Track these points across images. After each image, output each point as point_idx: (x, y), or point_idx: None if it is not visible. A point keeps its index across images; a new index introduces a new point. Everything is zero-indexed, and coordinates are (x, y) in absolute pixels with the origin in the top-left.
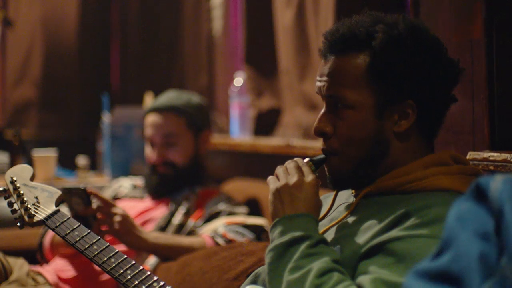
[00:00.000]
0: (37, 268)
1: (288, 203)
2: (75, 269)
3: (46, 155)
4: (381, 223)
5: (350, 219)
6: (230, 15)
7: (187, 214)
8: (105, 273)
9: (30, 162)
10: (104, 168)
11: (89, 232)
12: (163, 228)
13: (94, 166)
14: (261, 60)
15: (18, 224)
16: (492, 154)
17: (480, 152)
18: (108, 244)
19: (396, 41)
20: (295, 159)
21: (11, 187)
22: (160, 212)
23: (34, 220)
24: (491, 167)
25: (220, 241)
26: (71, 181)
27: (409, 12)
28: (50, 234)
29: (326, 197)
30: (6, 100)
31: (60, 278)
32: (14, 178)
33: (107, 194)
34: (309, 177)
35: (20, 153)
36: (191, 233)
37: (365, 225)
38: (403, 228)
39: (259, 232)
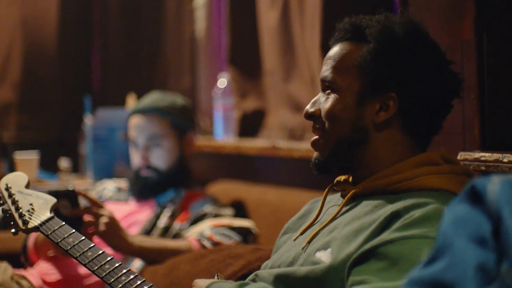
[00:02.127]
0: (21, 271)
1: None
2: (60, 272)
3: (28, 158)
4: (372, 225)
5: (340, 221)
6: (213, 16)
7: (173, 217)
8: (91, 277)
9: (11, 164)
10: (86, 171)
11: (83, 239)
12: (148, 231)
13: (76, 168)
14: (245, 61)
15: (13, 230)
16: (483, 154)
17: (471, 152)
18: (103, 250)
19: (388, 33)
20: None
21: (5, 194)
22: (145, 215)
23: (29, 226)
24: (483, 168)
25: (207, 243)
26: (54, 184)
27: (398, 12)
28: (33, 235)
29: (315, 202)
30: None
31: (44, 282)
32: (9, 185)
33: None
34: None
35: (1, 155)
36: (177, 236)
37: (355, 227)
38: (394, 229)
39: (245, 234)
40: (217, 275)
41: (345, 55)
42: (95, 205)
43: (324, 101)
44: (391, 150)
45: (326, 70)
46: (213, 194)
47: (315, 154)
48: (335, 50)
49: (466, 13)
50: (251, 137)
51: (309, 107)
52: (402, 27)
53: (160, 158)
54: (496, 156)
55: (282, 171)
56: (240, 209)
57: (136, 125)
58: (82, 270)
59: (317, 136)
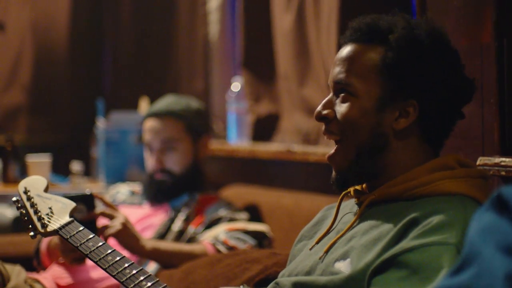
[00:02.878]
0: (35, 275)
1: None
2: (73, 276)
3: (40, 161)
4: (389, 233)
5: (357, 229)
6: (227, 19)
7: (187, 221)
8: (104, 281)
9: (23, 167)
10: (98, 174)
11: (103, 243)
12: (162, 235)
13: (88, 172)
14: (260, 64)
15: (31, 233)
16: (503, 159)
17: (491, 157)
18: (123, 255)
19: (413, 40)
20: None
21: (24, 197)
22: (159, 218)
23: (48, 230)
24: (503, 173)
25: (222, 248)
26: (68, 188)
27: (416, 14)
28: (46, 240)
29: (329, 209)
30: None
31: (58, 285)
32: (28, 189)
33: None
34: None
35: (13, 158)
36: (191, 240)
37: (374, 236)
38: (413, 237)
39: (260, 239)
40: (243, 286)
41: (364, 58)
42: (111, 210)
43: (339, 105)
44: (409, 156)
45: (341, 72)
46: (227, 198)
47: (334, 172)
48: (350, 50)
49: (485, 17)
50: (265, 141)
51: (321, 109)
52: (427, 34)
53: (175, 162)
54: None
55: (297, 175)
56: (254, 214)
57: (151, 129)
58: (95, 274)
59: (333, 151)
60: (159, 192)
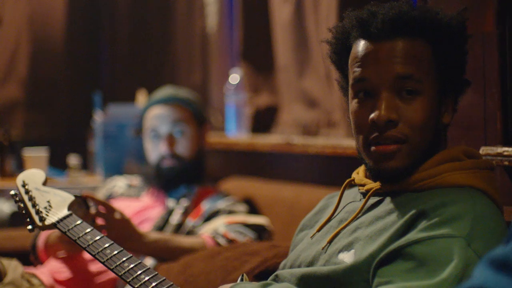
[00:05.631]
0: (32, 269)
1: None
2: (71, 271)
3: (37, 155)
4: (396, 224)
5: (362, 220)
6: (225, 11)
7: (185, 214)
8: (102, 275)
9: (20, 162)
10: (96, 168)
11: (102, 236)
12: (160, 228)
13: (85, 165)
14: (258, 56)
15: (29, 227)
16: (506, 149)
17: (493, 147)
18: (122, 248)
19: (456, 35)
20: None
21: (22, 191)
22: (157, 211)
23: (46, 223)
24: (506, 162)
25: (222, 241)
26: (63, 181)
27: (417, 2)
28: (43, 235)
29: (331, 197)
30: None
31: (56, 280)
32: (26, 182)
33: (101, 194)
34: None
35: (10, 152)
36: (190, 233)
37: (379, 226)
38: (421, 229)
39: (260, 231)
40: (242, 276)
41: (420, 53)
42: (106, 207)
43: (405, 107)
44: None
45: (406, 67)
46: (226, 190)
47: (392, 163)
48: (403, 45)
49: (487, 5)
50: (264, 133)
51: (387, 111)
52: (461, 25)
53: (185, 147)
54: None
55: (297, 168)
56: (254, 206)
57: (158, 115)
58: (93, 268)
59: (391, 147)
60: (167, 179)
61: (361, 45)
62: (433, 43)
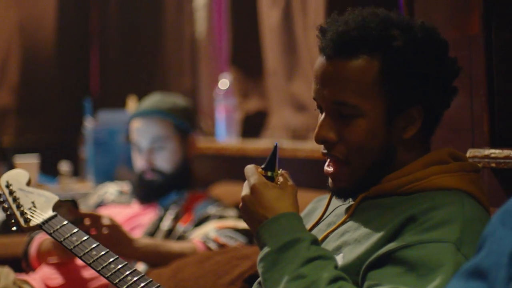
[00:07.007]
0: (24, 276)
1: (265, 206)
2: (63, 277)
3: (28, 162)
4: (385, 228)
5: (350, 224)
6: (214, 17)
7: (176, 219)
8: (94, 281)
9: (11, 169)
10: (87, 174)
11: (88, 237)
12: (151, 234)
13: (76, 172)
14: (247, 61)
15: (14, 228)
16: (493, 151)
17: (480, 149)
18: (108, 250)
19: (411, 47)
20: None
21: (6, 191)
22: (148, 217)
23: (31, 225)
24: (493, 164)
25: (212, 245)
26: (54, 188)
27: (403, 6)
28: (36, 242)
29: (320, 200)
30: None
31: (48, 286)
32: (10, 183)
33: (93, 200)
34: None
35: (1, 160)
36: (181, 238)
37: (368, 230)
38: (411, 233)
39: (251, 236)
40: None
41: (359, 74)
42: (90, 218)
43: (344, 128)
44: (412, 157)
45: (339, 92)
46: (216, 195)
47: (334, 185)
48: (340, 68)
49: (473, 8)
50: (254, 138)
51: (322, 132)
52: (420, 34)
53: (164, 161)
54: (506, 152)
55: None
56: None
57: (138, 129)
58: (86, 274)
59: (332, 169)
60: (149, 191)
61: (317, 61)
62: (380, 61)
